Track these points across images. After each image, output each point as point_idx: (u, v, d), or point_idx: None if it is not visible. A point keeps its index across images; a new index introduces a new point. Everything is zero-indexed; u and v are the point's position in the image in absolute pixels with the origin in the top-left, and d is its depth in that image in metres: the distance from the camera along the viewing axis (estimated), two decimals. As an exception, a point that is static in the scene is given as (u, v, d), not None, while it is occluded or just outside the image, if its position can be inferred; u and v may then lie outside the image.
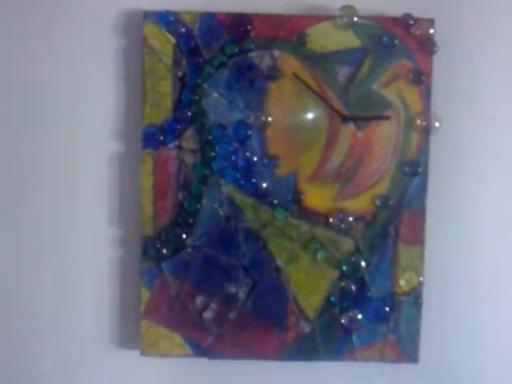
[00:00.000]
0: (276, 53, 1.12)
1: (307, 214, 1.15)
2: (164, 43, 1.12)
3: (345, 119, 1.13)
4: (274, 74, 1.12)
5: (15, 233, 1.19)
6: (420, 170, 1.14)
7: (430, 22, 1.12)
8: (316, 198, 1.15)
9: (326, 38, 1.13)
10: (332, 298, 1.16)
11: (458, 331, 1.21)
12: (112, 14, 1.15)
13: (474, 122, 1.18)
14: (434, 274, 1.17)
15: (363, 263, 1.15)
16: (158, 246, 1.14)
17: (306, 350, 1.16)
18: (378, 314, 1.16)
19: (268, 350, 1.16)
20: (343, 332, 1.16)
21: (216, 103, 1.13)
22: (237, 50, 1.12)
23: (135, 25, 1.14)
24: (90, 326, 1.20)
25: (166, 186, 1.14)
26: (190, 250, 1.15)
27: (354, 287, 1.15)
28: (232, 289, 1.15)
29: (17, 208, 1.19)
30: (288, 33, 1.12)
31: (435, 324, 1.19)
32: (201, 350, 1.16)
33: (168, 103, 1.13)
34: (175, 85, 1.13)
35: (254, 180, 1.14)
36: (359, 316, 1.15)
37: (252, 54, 1.12)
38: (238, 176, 1.14)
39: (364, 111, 1.14)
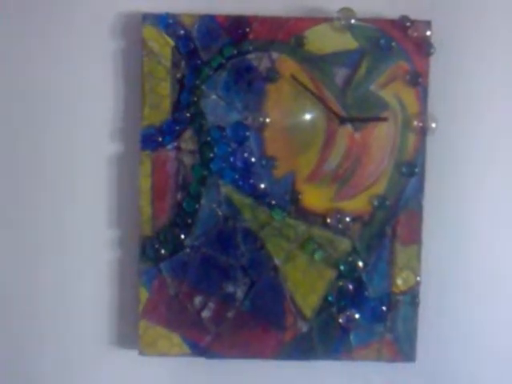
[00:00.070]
0: (274, 55, 1.13)
1: (305, 215, 1.15)
2: (163, 45, 1.12)
3: (342, 120, 1.14)
4: (272, 75, 1.13)
5: (15, 233, 1.19)
6: (417, 170, 1.14)
7: (427, 24, 1.13)
8: (313, 198, 1.15)
9: (323, 40, 1.13)
10: (329, 298, 1.16)
11: (455, 330, 1.21)
12: (111, 16, 1.15)
13: (471, 123, 1.18)
14: (431, 273, 1.18)
15: (360, 263, 1.16)
16: (157, 246, 1.15)
17: (303, 349, 1.17)
18: (375, 314, 1.16)
19: (266, 349, 1.17)
20: (341, 331, 1.17)
21: (214, 105, 1.14)
22: (235, 51, 1.13)
23: (134, 27, 1.14)
24: (89, 326, 1.21)
25: (164, 186, 1.14)
26: (188, 250, 1.15)
27: (351, 287, 1.16)
28: (230, 288, 1.16)
29: (15, 211, 1.19)
30: (286, 35, 1.13)
31: (432, 323, 1.19)
32: (199, 350, 1.17)
33: (167, 105, 1.13)
34: (174, 86, 1.13)
35: (252, 181, 1.14)
36: (356, 315, 1.16)
37: (250, 56, 1.13)
38: (237, 177, 1.14)
39: (361, 112, 1.14)
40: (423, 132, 1.14)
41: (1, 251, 1.20)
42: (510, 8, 1.18)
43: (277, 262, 1.16)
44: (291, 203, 1.15)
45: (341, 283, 1.16)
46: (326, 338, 1.17)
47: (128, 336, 1.20)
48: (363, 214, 1.16)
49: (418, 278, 1.16)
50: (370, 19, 1.13)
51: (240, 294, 1.16)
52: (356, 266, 1.16)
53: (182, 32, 1.12)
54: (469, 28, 1.17)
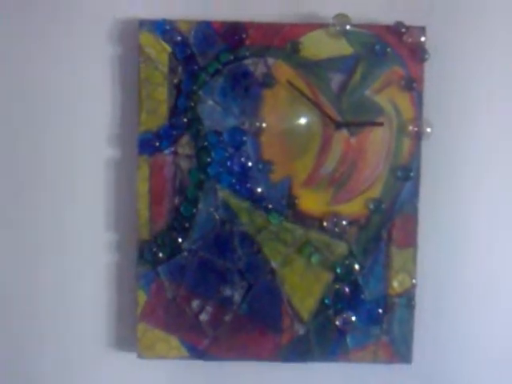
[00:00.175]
0: (270, 60, 1.14)
1: (301, 219, 1.16)
2: (160, 51, 1.13)
3: (338, 125, 1.14)
4: (268, 81, 1.14)
5: (14, 235, 1.20)
6: (412, 174, 1.15)
7: (422, 30, 1.14)
8: (310, 202, 1.16)
9: (319, 46, 1.14)
10: (326, 301, 1.17)
11: (451, 332, 1.22)
12: (109, 22, 1.16)
13: (465, 127, 1.19)
14: (427, 276, 1.18)
15: (357, 266, 1.16)
16: (155, 250, 1.15)
17: (300, 351, 1.17)
18: (371, 316, 1.17)
19: (263, 351, 1.17)
20: (337, 334, 1.17)
21: (211, 110, 1.14)
22: (232, 57, 1.13)
23: (131, 33, 1.15)
24: (87, 329, 1.21)
25: (161, 191, 1.15)
26: (185, 253, 1.16)
27: (347, 290, 1.17)
28: (227, 292, 1.16)
29: (14, 215, 1.20)
30: (282, 41, 1.13)
31: (428, 325, 1.20)
32: (197, 353, 1.17)
33: (164, 110, 1.14)
34: (171, 92, 1.14)
35: (248, 185, 1.15)
36: (353, 318, 1.16)
37: (247, 62, 1.14)
38: (234, 181, 1.15)
39: (357, 117, 1.15)
40: (418, 137, 1.15)
41: (1, 251, 1.20)
42: (504, 14, 1.18)
43: (274, 265, 1.16)
44: (288, 207, 1.16)
45: (337, 286, 1.17)
46: (322, 340, 1.17)
47: (126, 339, 1.20)
48: (359, 218, 1.16)
49: (414, 281, 1.16)
50: (365, 25, 1.14)
51: (237, 297, 1.16)
52: (352, 269, 1.16)
53: (178, 38, 1.13)
54: (463, 34, 1.17)
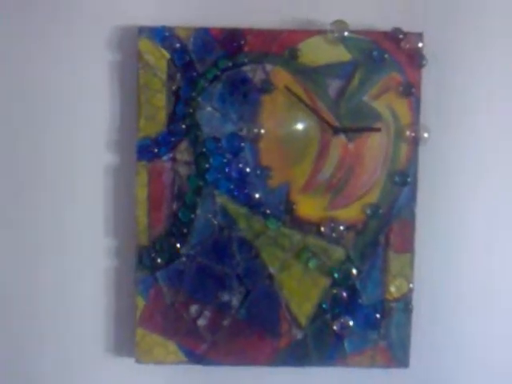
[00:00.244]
0: (268, 67, 1.14)
1: (299, 224, 1.16)
2: (159, 58, 1.13)
3: (336, 131, 1.15)
4: (266, 87, 1.14)
5: (14, 240, 1.20)
6: (409, 179, 1.15)
7: (419, 36, 1.14)
8: (308, 207, 1.16)
9: (317, 52, 1.14)
10: (324, 305, 1.17)
11: (448, 337, 1.22)
12: (108, 29, 1.16)
13: (462, 133, 1.19)
14: (424, 281, 1.19)
15: (354, 271, 1.17)
16: (153, 255, 1.15)
17: (298, 356, 1.18)
18: (368, 321, 1.17)
19: (261, 356, 1.18)
20: (335, 338, 1.17)
21: (210, 116, 1.14)
22: (230, 64, 1.14)
23: (130, 40, 1.15)
24: (86, 334, 1.21)
25: (160, 197, 1.15)
26: (184, 259, 1.16)
27: (345, 294, 1.17)
28: (226, 297, 1.17)
29: (14, 221, 1.20)
30: (280, 47, 1.14)
31: (425, 330, 1.20)
32: (195, 357, 1.18)
33: (162, 116, 1.14)
34: (170, 98, 1.14)
35: (246, 191, 1.15)
36: (350, 322, 1.17)
37: (245, 68, 1.14)
38: (232, 187, 1.15)
39: (355, 123, 1.15)
40: (415, 142, 1.15)
41: (1, 255, 1.20)
42: (501, 20, 1.18)
43: (272, 270, 1.16)
44: (286, 213, 1.16)
45: (335, 291, 1.17)
46: (320, 344, 1.18)
47: (125, 344, 1.21)
48: (357, 223, 1.16)
49: (411, 286, 1.17)
50: (363, 31, 1.14)
51: (235, 302, 1.17)
52: (350, 273, 1.17)
53: (177, 45, 1.13)
54: (460, 40, 1.18)
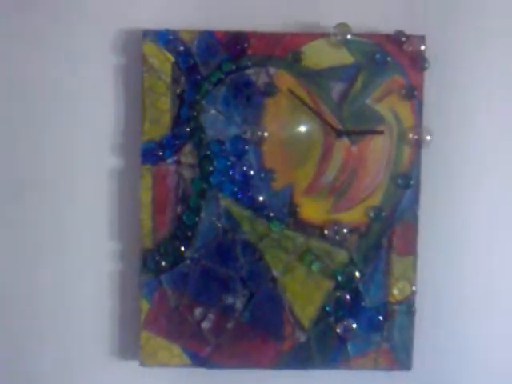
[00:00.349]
0: (272, 70, 1.14)
1: (303, 227, 1.16)
2: (163, 61, 1.13)
3: (339, 134, 1.15)
4: (270, 90, 1.14)
5: (15, 243, 1.20)
6: (412, 182, 1.15)
7: (422, 39, 1.14)
8: (311, 210, 1.16)
9: (320, 55, 1.14)
10: (327, 308, 1.17)
11: (451, 339, 1.22)
12: (112, 32, 1.16)
13: (465, 135, 1.19)
14: (427, 283, 1.19)
15: (357, 274, 1.17)
16: (157, 258, 1.15)
17: (301, 358, 1.18)
18: (372, 323, 1.17)
19: (265, 359, 1.17)
20: (338, 341, 1.17)
21: (214, 119, 1.15)
22: (234, 67, 1.14)
23: (135, 43, 1.15)
24: (90, 337, 1.21)
25: (164, 200, 1.15)
26: (188, 262, 1.16)
27: (348, 297, 1.17)
28: (229, 300, 1.16)
29: (15, 224, 1.20)
30: (283, 50, 1.14)
31: (428, 332, 1.20)
32: (199, 360, 1.17)
33: (167, 119, 1.14)
34: (174, 101, 1.14)
35: (250, 193, 1.16)
36: (354, 325, 1.17)
37: (249, 71, 1.14)
38: (236, 190, 1.15)
39: (358, 126, 1.15)
40: (418, 145, 1.15)
41: (2, 257, 1.20)
42: (503, 22, 1.19)
43: (275, 273, 1.16)
44: (289, 215, 1.16)
45: (338, 294, 1.17)
46: (323, 347, 1.18)
47: (129, 347, 1.21)
48: (360, 226, 1.17)
49: (414, 288, 1.17)
50: (366, 34, 1.15)
51: (239, 305, 1.17)
52: (353, 276, 1.17)
53: (181, 48, 1.13)
54: (462, 42, 1.18)
